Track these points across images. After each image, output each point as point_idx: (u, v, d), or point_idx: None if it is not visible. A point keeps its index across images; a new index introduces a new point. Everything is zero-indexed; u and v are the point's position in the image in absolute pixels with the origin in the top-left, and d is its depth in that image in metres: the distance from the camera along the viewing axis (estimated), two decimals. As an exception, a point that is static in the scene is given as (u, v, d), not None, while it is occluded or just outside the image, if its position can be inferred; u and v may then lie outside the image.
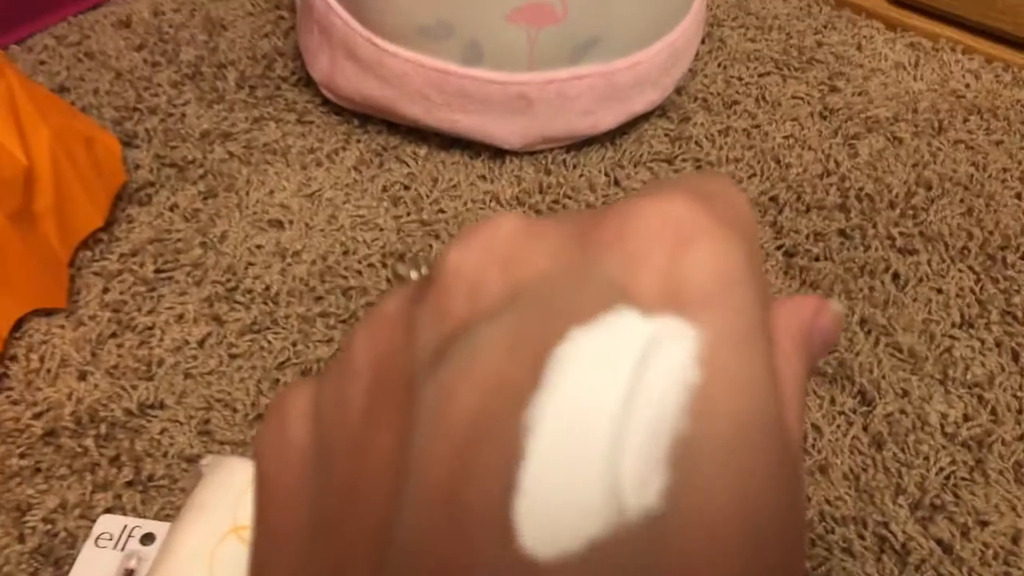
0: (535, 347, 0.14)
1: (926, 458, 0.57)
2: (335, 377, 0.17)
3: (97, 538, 0.49)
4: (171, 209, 0.70)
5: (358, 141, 0.77)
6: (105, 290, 0.64)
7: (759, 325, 0.15)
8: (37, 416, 0.56)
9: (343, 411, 0.16)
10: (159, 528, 0.49)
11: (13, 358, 0.59)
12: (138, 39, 0.86)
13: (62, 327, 0.61)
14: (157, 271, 0.65)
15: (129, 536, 0.49)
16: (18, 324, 0.60)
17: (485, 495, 0.13)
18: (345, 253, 0.68)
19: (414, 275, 0.20)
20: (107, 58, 0.84)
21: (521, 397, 0.13)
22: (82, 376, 0.58)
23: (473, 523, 0.13)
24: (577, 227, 0.16)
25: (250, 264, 0.66)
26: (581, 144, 0.77)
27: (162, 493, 0.53)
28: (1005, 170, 0.77)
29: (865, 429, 0.59)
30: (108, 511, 0.51)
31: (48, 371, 0.59)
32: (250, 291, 0.64)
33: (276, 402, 0.18)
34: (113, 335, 0.61)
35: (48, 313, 0.62)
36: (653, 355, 0.14)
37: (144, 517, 0.51)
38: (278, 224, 0.70)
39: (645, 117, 0.80)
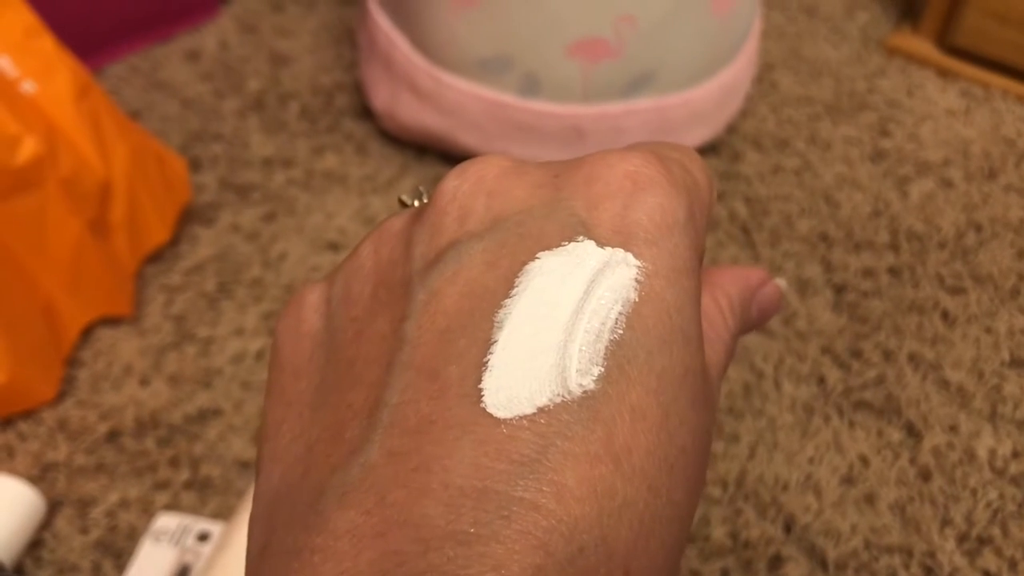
0: (510, 263, 0.17)
1: (973, 492, 0.57)
2: (344, 277, 0.21)
3: (156, 534, 0.50)
4: (233, 230, 0.73)
5: (414, 171, 0.80)
6: (168, 303, 0.66)
7: (690, 268, 0.18)
8: (101, 418, 0.58)
9: (351, 305, 0.20)
10: (214, 527, 0.50)
11: (81, 363, 0.61)
12: (205, 71, 0.90)
13: (127, 336, 0.63)
14: (219, 287, 0.67)
15: (186, 533, 0.50)
16: (86, 331, 0.63)
17: (461, 370, 0.16)
18: (400, 275, 0.69)
19: (416, 204, 0.22)
20: (176, 88, 0.88)
21: (495, 300, 0.17)
22: (144, 382, 0.60)
23: (450, 390, 0.16)
24: (554, 171, 0.19)
25: (308, 283, 0.68)
26: (632, 179, 0.79)
27: (218, 494, 0.54)
28: (1056, 215, 0.77)
29: (912, 461, 0.59)
30: (166, 508, 0.53)
31: (112, 377, 0.61)
32: (307, 308, 0.66)
33: (295, 297, 0.22)
34: (175, 345, 0.63)
35: (114, 322, 0.64)
36: (603, 276, 0.17)
37: (200, 516, 0.52)
38: (335, 246, 0.72)
39: (696, 155, 0.81)
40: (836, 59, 0.95)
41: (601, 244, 0.17)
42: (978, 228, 0.76)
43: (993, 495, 0.57)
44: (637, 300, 0.17)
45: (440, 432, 0.16)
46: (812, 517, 0.56)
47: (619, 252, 0.17)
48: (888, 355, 0.65)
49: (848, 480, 0.58)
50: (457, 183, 0.19)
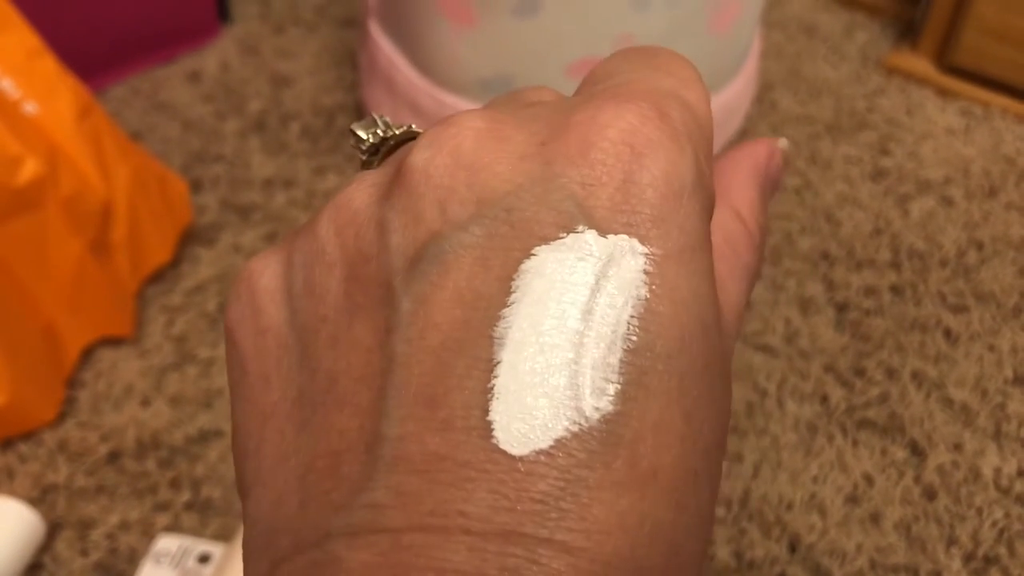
0: (503, 261, 0.16)
1: (979, 511, 0.57)
2: (304, 261, 0.18)
3: (156, 556, 0.50)
4: (234, 250, 0.73)
5: (416, 191, 0.80)
6: (169, 323, 0.66)
7: (702, 237, 0.17)
8: (102, 439, 0.58)
9: (318, 300, 0.17)
10: (215, 548, 0.50)
11: (81, 384, 0.61)
12: (207, 92, 0.90)
13: (128, 357, 0.63)
14: (220, 307, 0.67)
15: (186, 555, 0.50)
16: (87, 352, 0.63)
17: (464, 399, 0.15)
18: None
19: (369, 137, 0.20)
20: (177, 109, 0.88)
21: (491, 309, 0.15)
22: (145, 403, 0.60)
23: (455, 422, 0.15)
24: (539, 136, 0.17)
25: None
26: (633, 198, 0.79)
27: (219, 515, 0.54)
28: (1057, 233, 0.77)
29: (917, 480, 0.58)
30: (167, 530, 0.53)
31: (113, 398, 0.60)
32: (308, 329, 0.66)
33: (243, 277, 0.19)
34: (176, 366, 0.63)
35: (115, 343, 0.64)
36: (608, 272, 0.16)
37: (201, 537, 0.52)
38: (337, 267, 0.72)
39: (697, 174, 0.81)
40: (835, 78, 0.95)
41: (603, 232, 0.16)
42: (979, 246, 0.76)
43: (999, 514, 0.57)
44: (649, 296, 0.15)
45: (451, 472, 0.15)
46: (817, 536, 0.55)
47: (623, 240, 0.16)
48: (891, 373, 0.65)
49: (853, 499, 0.57)
50: (429, 155, 0.17)
